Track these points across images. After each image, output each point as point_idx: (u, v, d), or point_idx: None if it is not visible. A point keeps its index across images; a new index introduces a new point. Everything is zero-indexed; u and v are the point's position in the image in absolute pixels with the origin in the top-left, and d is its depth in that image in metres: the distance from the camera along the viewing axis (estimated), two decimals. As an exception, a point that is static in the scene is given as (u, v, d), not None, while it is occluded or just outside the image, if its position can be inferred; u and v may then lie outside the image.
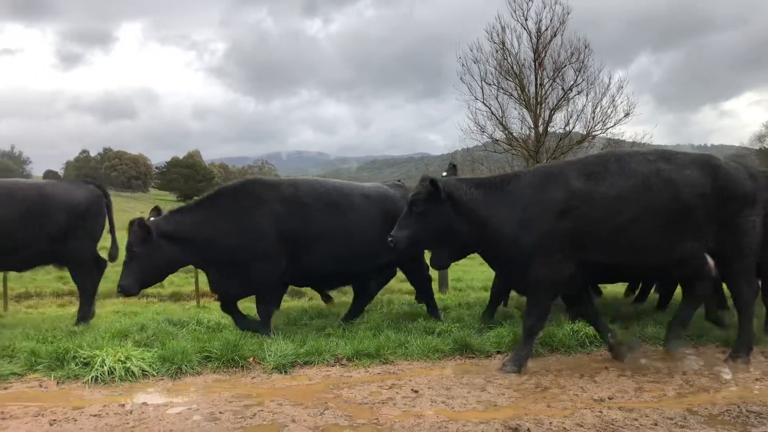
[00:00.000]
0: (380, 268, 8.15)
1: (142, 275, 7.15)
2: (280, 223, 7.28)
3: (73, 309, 8.81)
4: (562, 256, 5.99)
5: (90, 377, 5.58)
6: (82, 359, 5.84)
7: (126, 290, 7.12)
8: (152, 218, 7.31)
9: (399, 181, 8.70)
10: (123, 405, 4.98)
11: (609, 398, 5.21)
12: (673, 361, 6.46)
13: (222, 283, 7.44)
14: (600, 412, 4.84)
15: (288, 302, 10.28)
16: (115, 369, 5.66)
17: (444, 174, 7.08)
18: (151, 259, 7.10)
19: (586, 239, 5.99)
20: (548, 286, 6.12)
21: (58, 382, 5.60)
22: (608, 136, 26.99)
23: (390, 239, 6.30)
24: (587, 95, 26.46)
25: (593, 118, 26.37)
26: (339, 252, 7.55)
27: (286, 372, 5.97)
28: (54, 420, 4.63)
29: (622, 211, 5.98)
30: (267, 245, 7.23)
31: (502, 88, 26.95)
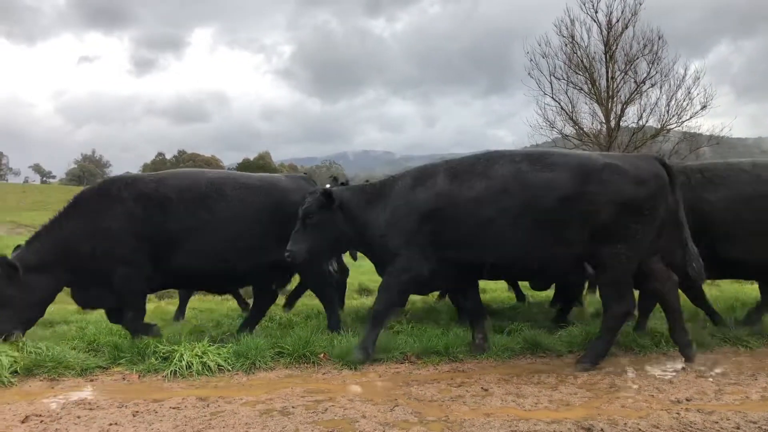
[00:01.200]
0: (271, 267, 7.21)
1: (20, 317, 6.48)
2: (135, 223, 6.74)
3: (151, 306, 9.15)
4: (422, 256, 6.15)
5: (169, 371, 5.81)
6: (161, 354, 6.09)
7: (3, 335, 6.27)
8: (14, 253, 6.75)
9: (305, 173, 8.39)
10: (200, 398, 5.16)
11: (687, 400, 5.04)
12: (758, 360, 6.20)
13: (87, 295, 6.96)
14: (677, 413, 4.68)
15: (357, 300, 10.39)
16: (192, 363, 5.88)
17: (327, 186, 6.88)
18: (25, 297, 6.48)
19: (449, 239, 6.05)
20: (405, 281, 6.25)
21: (139, 376, 5.86)
22: (684, 130, 26.07)
23: (287, 254, 6.33)
24: (661, 88, 25.59)
25: (668, 112, 25.47)
26: (211, 249, 6.92)
27: (356, 368, 6.05)
28: (136, 411, 4.83)
29: (481, 212, 5.95)
30: (124, 249, 6.70)
31: (572, 83, 26.41)
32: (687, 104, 25.29)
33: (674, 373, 5.82)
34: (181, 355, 5.94)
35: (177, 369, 5.82)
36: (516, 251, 6.00)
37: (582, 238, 5.87)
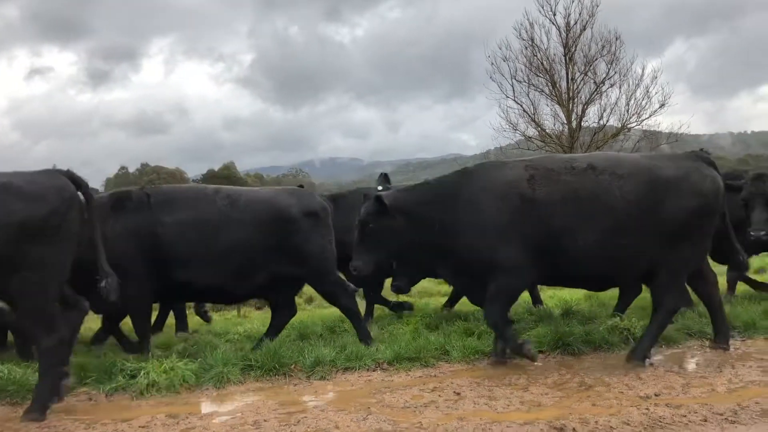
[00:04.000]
0: None
1: None
2: None
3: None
4: None
5: (136, 389, 5.68)
6: (128, 372, 5.94)
7: None
8: None
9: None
10: (170, 415, 5.06)
11: (656, 395, 5.11)
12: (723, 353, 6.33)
13: None
14: (647, 409, 4.75)
15: (329, 309, 10.32)
16: (160, 380, 5.76)
17: None
18: None
19: None
20: None
21: (106, 395, 5.71)
22: (644, 128, 26.57)
23: None
24: (620, 87, 26.05)
25: (628, 111, 25.92)
26: None
27: (327, 378, 6.01)
28: (104, 432, 4.72)
29: None
30: None
31: (533, 85, 26.72)
32: (646, 103, 25.80)
33: (643, 369, 5.89)
34: (149, 372, 5.81)
35: (145, 387, 5.70)
36: None
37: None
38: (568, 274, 6.35)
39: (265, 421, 4.84)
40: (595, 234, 5.92)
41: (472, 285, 6.51)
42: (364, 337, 7.07)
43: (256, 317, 10.13)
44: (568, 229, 5.95)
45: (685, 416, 4.57)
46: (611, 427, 4.43)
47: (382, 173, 7.22)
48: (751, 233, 7.03)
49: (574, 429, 4.41)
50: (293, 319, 7.80)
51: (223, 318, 9.99)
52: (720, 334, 6.57)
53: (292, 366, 6.20)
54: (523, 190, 6.03)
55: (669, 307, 6.22)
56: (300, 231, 6.99)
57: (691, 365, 6.00)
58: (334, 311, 7.90)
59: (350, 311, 7.29)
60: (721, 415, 4.57)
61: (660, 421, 4.50)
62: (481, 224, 6.10)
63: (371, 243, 6.50)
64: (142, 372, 5.82)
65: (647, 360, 6.06)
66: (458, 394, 5.34)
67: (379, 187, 7.53)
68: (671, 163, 6.28)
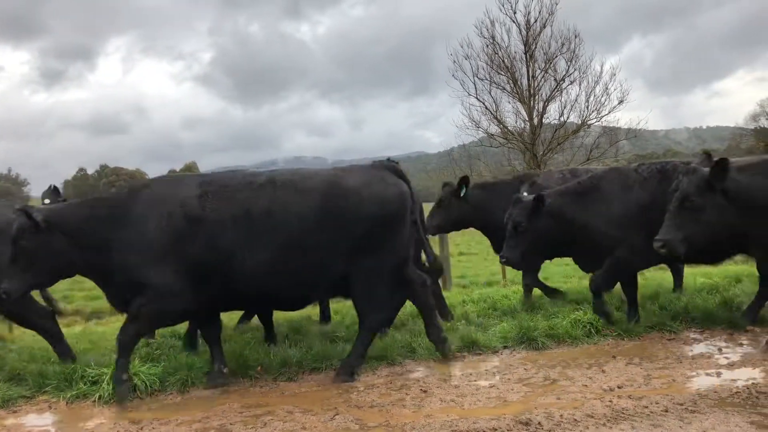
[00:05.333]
0: None
1: None
2: None
3: (78, 329, 8.78)
4: None
5: (98, 396, 5.56)
6: (90, 378, 5.82)
7: None
8: None
9: None
10: (133, 422, 4.97)
11: (618, 387, 5.20)
12: (682, 344, 6.46)
13: None
14: (610, 401, 4.84)
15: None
16: (123, 386, 5.64)
17: None
18: None
19: None
20: None
21: (67, 403, 5.58)
22: (603, 124, 27.09)
23: None
24: (580, 84, 26.61)
25: (587, 107, 26.49)
26: None
27: (294, 379, 5.97)
28: (65, 441, 4.62)
29: None
30: None
31: (495, 83, 27.09)
32: (605, 99, 26.40)
33: (606, 362, 5.99)
34: (111, 378, 5.71)
35: (107, 393, 5.58)
36: None
37: None
38: (247, 295, 5.93)
39: (231, 424, 4.79)
40: (270, 252, 5.66)
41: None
42: (64, 355, 6.56)
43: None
44: (240, 248, 5.63)
45: (647, 407, 4.67)
46: (575, 420, 4.50)
47: (51, 185, 6.51)
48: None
49: (539, 423, 4.46)
50: (258, 321, 7.72)
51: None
52: (435, 338, 6.43)
53: (258, 368, 6.15)
54: (191, 208, 5.67)
55: (370, 325, 6.05)
56: None
57: (652, 357, 6.10)
58: (300, 313, 7.83)
59: (50, 332, 6.71)
60: (682, 405, 4.67)
61: (623, 413, 4.58)
62: (139, 243, 5.64)
63: (25, 262, 5.65)
64: (105, 378, 5.71)
65: (355, 376, 5.90)
66: (425, 391, 5.36)
67: (46, 200, 6.87)
68: (354, 173, 6.13)
